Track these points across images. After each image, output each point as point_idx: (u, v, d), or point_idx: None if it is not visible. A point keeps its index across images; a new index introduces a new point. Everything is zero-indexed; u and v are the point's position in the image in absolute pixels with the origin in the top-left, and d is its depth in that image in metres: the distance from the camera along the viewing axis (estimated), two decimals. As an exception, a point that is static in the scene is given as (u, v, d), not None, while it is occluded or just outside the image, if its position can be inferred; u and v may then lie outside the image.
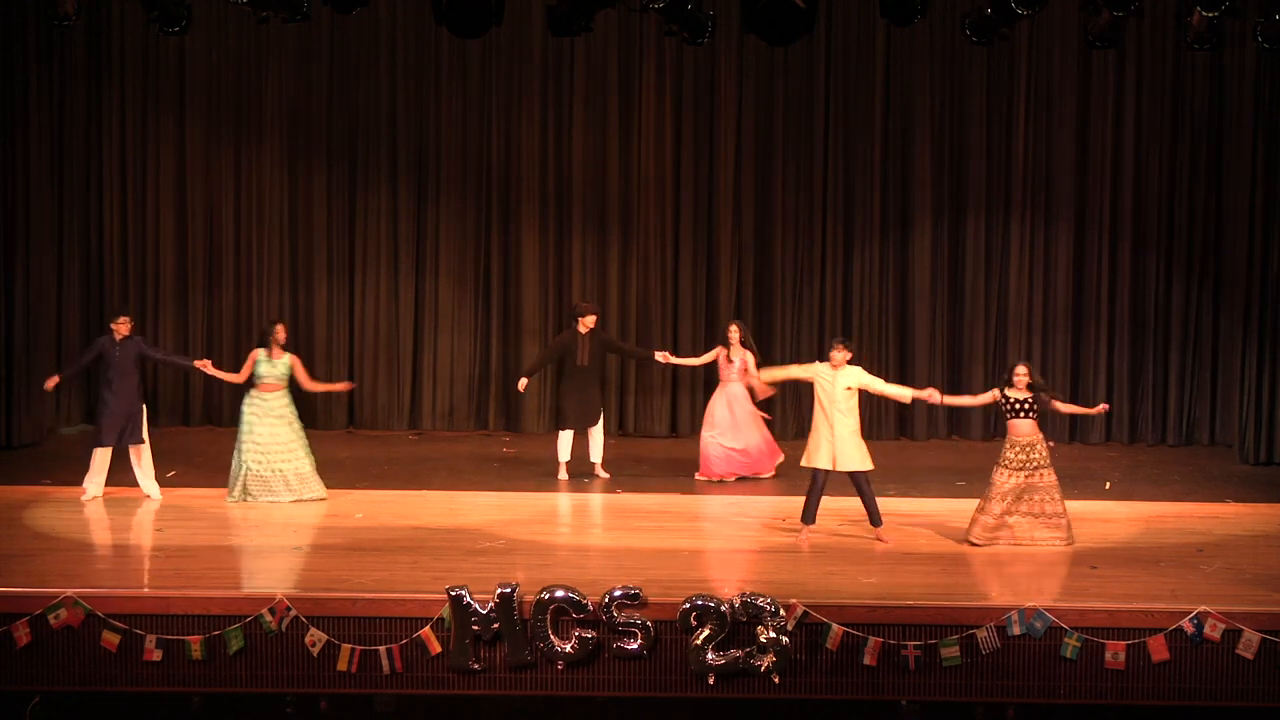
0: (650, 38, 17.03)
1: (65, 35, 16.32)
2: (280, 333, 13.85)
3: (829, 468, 12.45)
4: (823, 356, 12.85)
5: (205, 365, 14.06)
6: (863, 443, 12.50)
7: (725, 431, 14.85)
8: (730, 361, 14.92)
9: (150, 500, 13.72)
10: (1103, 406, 13.27)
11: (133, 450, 13.83)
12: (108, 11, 16.91)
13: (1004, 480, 12.24)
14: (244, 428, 13.70)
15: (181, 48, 16.91)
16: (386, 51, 17.33)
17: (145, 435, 13.86)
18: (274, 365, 13.76)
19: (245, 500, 13.58)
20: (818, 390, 12.54)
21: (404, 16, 17.20)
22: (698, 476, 14.87)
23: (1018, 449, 12.26)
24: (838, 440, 12.43)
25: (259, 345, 13.87)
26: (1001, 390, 12.36)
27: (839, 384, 12.47)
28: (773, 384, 13.76)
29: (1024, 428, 12.28)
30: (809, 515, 12.56)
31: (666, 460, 15.45)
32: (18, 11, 15.88)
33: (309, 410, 17.51)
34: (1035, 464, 12.25)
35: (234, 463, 13.71)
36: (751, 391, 14.66)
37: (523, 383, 15.16)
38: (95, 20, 16.85)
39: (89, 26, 16.77)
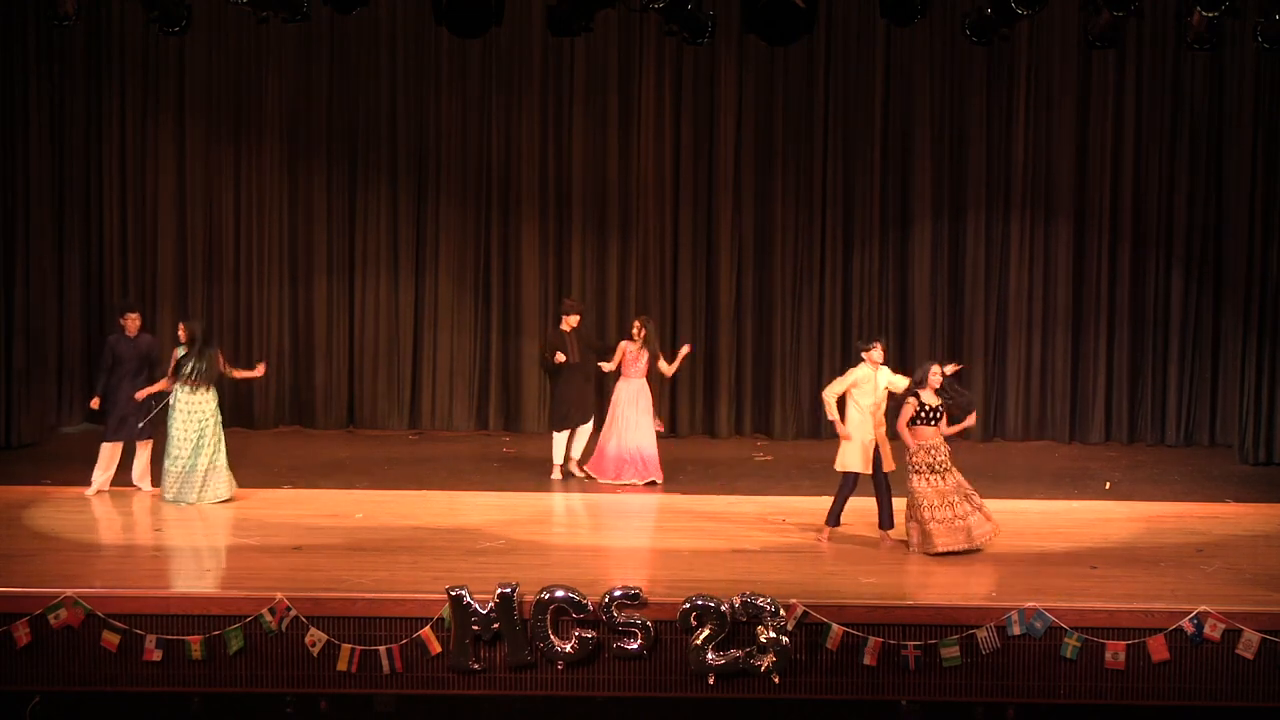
0: (650, 38, 17.02)
1: (65, 35, 16.32)
2: (181, 331, 13.83)
3: (866, 471, 12.42)
4: (852, 357, 12.67)
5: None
6: (887, 442, 12.48)
7: (623, 433, 14.70)
8: (636, 358, 14.73)
9: (140, 493, 13.80)
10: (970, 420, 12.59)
11: (139, 445, 13.93)
12: (108, 11, 16.91)
13: (929, 485, 11.96)
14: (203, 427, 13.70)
15: (181, 48, 16.91)
16: (386, 51, 17.33)
17: (151, 432, 13.93)
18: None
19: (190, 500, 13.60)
20: (856, 393, 12.46)
21: (404, 16, 17.20)
22: (603, 479, 14.73)
23: (924, 451, 11.99)
24: (878, 442, 12.44)
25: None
26: (916, 395, 12.04)
27: (880, 384, 12.44)
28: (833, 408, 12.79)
29: (924, 434, 12.02)
30: (834, 518, 12.53)
31: (666, 461, 15.41)
32: (18, 11, 15.89)
33: (308, 409, 17.60)
34: (944, 465, 12.01)
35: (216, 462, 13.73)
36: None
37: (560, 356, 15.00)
38: (95, 20, 16.85)
39: (89, 26, 16.77)
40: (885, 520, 12.47)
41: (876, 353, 12.49)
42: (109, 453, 13.87)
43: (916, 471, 12.02)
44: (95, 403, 14.12)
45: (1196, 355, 17.08)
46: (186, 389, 13.63)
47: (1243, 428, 16.12)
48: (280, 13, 13.58)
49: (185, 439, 13.56)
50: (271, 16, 13.72)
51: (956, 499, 12.00)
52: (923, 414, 12.00)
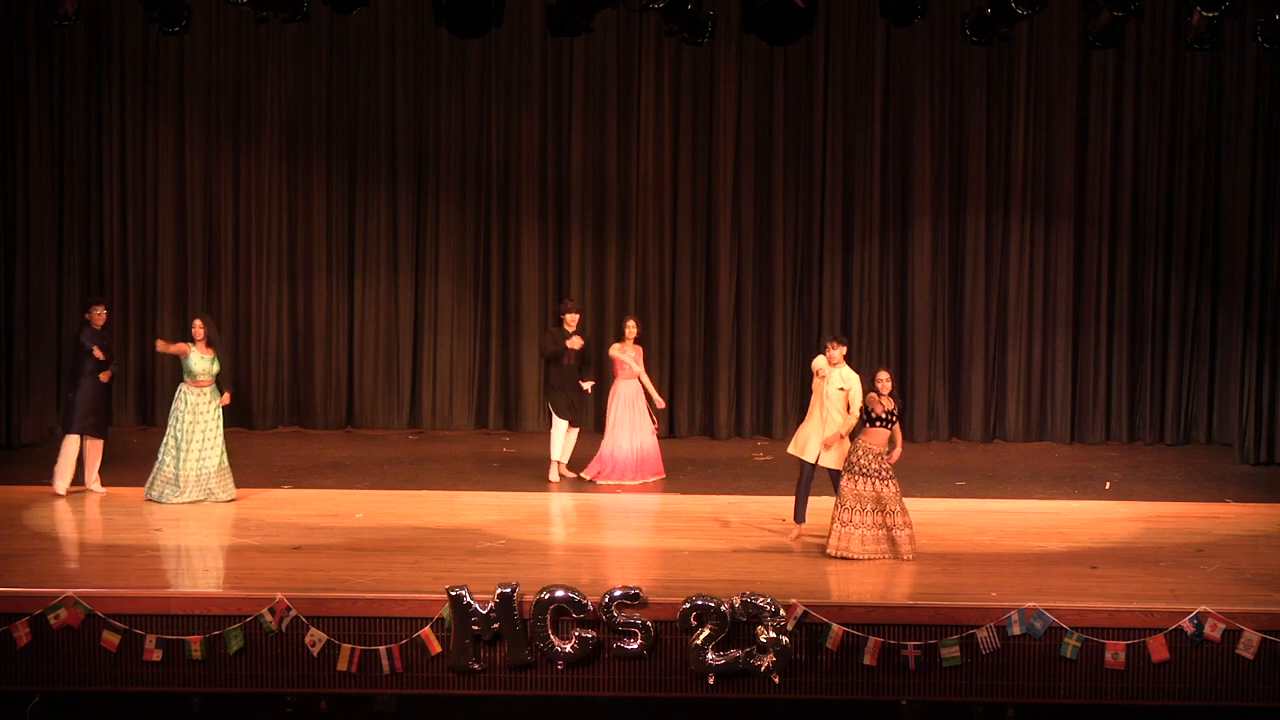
0: (650, 38, 17.03)
1: (65, 35, 16.33)
2: (199, 329, 13.78)
3: (814, 460, 12.43)
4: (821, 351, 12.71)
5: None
6: (846, 442, 12.37)
7: (628, 433, 14.77)
8: (624, 361, 14.81)
9: (93, 493, 13.78)
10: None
11: (90, 444, 13.88)
12: (108, 11, 16.92)
13: (858, 488, 11.86)
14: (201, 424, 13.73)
15: (181, 48, 16.92)
16: (386, 51, 17.34)
17: (104, 432, 13.96)
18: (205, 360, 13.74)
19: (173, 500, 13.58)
20: (815, 383, 12.53)
21: (404, 16, 17.20)
22: (604, 480, 14.76)
23: (871, 456, 11.89)
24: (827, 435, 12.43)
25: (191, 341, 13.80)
26: (863, 400, 12.04)
27: (833, 382, 12.44)
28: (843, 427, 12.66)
29: (880, 436, 11.94)
30: (800, 514, 12.54)
31: (666, 461, 15.42)
32: (18, 11, 15.89)
33: (308, 409, 17.60)
34: (884, 473, 11.88)
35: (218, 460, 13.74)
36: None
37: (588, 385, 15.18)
38: (95, 20, 16.86)
39: (89, 26, 16.77)
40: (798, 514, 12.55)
41: (833, 352, 12.47)
42: (73, 445, 13.80)
43: (851, 472, 11.94)
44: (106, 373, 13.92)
45: (1196, 355, 17.09)
46: (194, 389, 13.63)
47: (1242, 428, 16.12)
48: (280, 13, 13.57)
49: (204, 437, 13.56)
50: (271, 16, 13.71)
51: (871, 508, 11.85)
52: (877, 418, 11.95)
